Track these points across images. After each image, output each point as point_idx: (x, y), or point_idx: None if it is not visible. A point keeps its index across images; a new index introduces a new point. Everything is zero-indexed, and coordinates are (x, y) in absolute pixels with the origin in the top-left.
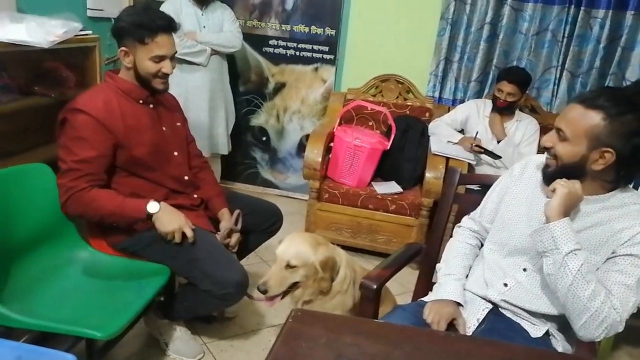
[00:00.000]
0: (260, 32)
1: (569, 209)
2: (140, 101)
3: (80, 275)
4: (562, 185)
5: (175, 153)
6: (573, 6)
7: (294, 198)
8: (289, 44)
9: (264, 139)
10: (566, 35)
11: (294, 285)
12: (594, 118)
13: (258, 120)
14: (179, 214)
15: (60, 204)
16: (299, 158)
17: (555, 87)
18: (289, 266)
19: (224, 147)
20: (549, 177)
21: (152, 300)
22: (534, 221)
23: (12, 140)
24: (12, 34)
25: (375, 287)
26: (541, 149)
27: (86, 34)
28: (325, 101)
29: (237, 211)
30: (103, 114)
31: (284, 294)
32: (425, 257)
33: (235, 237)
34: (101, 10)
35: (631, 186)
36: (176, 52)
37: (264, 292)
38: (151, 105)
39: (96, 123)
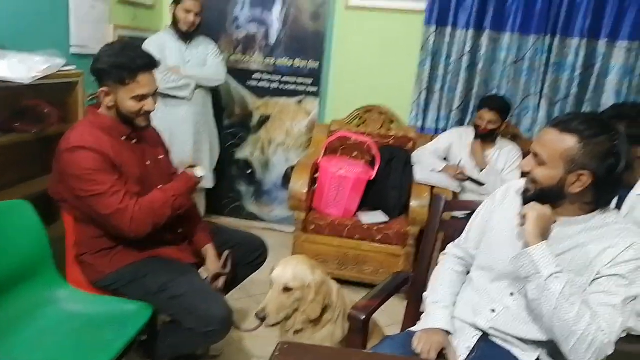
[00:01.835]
0: (244, 66)
1: (545, 232)
2: (123, 137)
3: (59, 315)
4: (531, 209)
5: (160, 186)
6: (549, 35)
7: (279, 231)
8: (273, 77)
9: (249, 172)
10: (543, 63)
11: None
12: (569, 141)
13: (243, 153)
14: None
15: (124, 230)
16: (285, 190)
17: (535, 113)
18: (286, 289)
19: (208, 181)
20: (528, 201)
21: (134, 340)
22: (517, 246)
23: None
24: None
25: (363, 317)
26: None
27: (69, 70)
28: (309, 133)
29: (226, 253)
30: (98, 147)
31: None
32: (412, 286)
33: (222, 280)
34: (85, 46)
35: (612, 207)
36: (157, 88)
37: (263, 319)
38: (134, 141)
39: (97, 154)
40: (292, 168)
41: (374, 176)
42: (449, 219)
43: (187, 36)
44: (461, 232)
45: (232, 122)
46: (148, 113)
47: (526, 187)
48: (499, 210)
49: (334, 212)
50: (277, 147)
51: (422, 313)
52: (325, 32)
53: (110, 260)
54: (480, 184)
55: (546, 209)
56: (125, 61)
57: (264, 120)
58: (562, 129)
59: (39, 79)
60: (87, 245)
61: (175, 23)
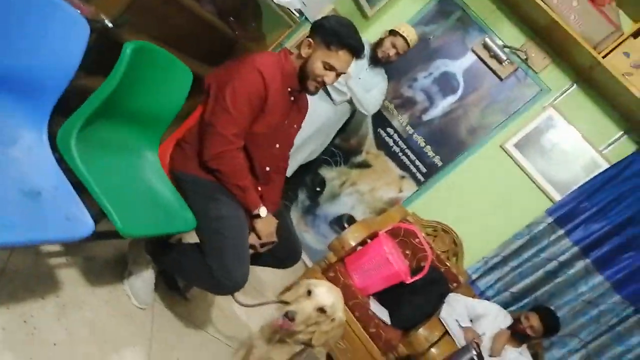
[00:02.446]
0: (387, 116)
1: None
2: (289, 89)
3: (135, 170)
4: None
5: (277, 145)
6: (633, 308)
7: None
8: (400, 143)
9: (318, 190)
10: (609, 324)
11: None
12: None
13: (327, 173)
14: (273, 225)
15: (209, 150)
16: (329, 227)
17: (568, 355)
18: (321, 310)
19: (289, 170)
20: None
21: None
22: None
23: (182, 38)
24: None
25: None
26: None
27: (293, 13)
28: (388, 205)
29: (272, 239)
30: (268, 84)
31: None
32: None
33: (251, 251)
34: (304, 5)
35: None
36: (346, 73)
37: (291, 319)
38: (292, 99)
39: (263, 89)
40: (351, 217)
41: (408, 282)
42: None
43: (375, 61)
44: None
45: (340, 145)
46: (323, 84)
47: None
48: None
49: (356, 279)
50: (354, 192)
51: None
52: (469, 147)
53: (202, 166)
54: None
55: None
56: (344, 33)
57: (365, 165)
58: None
59: (278, 3)
60: (195, 139)
61: (376, 45)
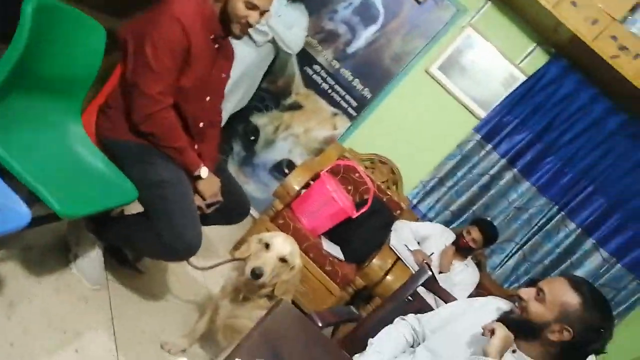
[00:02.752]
0: (312, 52)
1: (504, 352)
2: (212, 36)
3: (60, 145)
4: (501, 327)
5: (208, 98)
6: (557, 207)
7: None
8: (328, 79)
9: (252, 138)
10: (538, 225)
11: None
12: (574, 299)
13: (258, 120)
14: (216, 184)
15: (137, 113)
16: (270, 174)
17: (506, 258)
18: (283, 260)
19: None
20: (508, 322)
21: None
22: (471, 351)
23: None
24: None
25: (320, 324)
26: (514, 296)
27: None
28: (324, 144)
29: (218, 199)
30: (189, 32)
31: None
32: (357, 327)
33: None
34: None
35: None
36: (269, 11)
37: (259, 276)
38: (216, 46)
39: (185, 39)
40: (289, 161)
41: (355, 216)
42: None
43: None
44: (416, 310)
45: (268, 88)
46: (247, 25)
47: (512, 309)
48: (473, 314)
49: (305, 221)
50: (289, 136)
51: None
52: (395, 75)
53: (132, 130)
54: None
55: (510, 334)
56: None
57: (296, 107)
58: (573, 286)
59: None
60: (120, 101)
61: None
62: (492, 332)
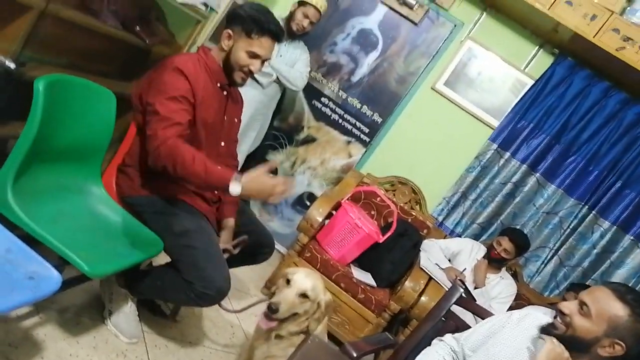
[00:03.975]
0: (318, 87)
1: None
2: (218, 84)
3: (83, 208)
4: (553, 343)
5: (222, 144)
6: (587, 207)
7: None
8: (337, 110)
9: (271, 176)
10: (570, 227)
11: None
12: (621, 310)
13: (275, 157)
14: (262, 182)
15: (151, 151)
16: (292, 209)
17: (542, 265)
18: (303, 295)
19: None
20: (552, 336)
21: (136, 266)
22: None
23: (91, 60)
24: None
25: (355, 355)
26: (557, 311)
27: (199, 8)
28: (342, 172)
29: (243, 237)
30: (193, 80)
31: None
32: (396, 352)
33: (225, 256)
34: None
35: None
36: (270, 59)
37: (275, 311)
38: (225, 93)
39: (188, 84)
40: (310, 194)
41: (382, 241)
42: None
43: (291, 34)
44: (454, 329)
45: (281, 126)
46: (250, 73)
47: (555, 324)
48: (512, 328)
49: (332, 252)
50: (306, 169)
51: None
52: (402, 97)
53: (150, 185)
54: (473, 298)
55: (564, 351)
56: (263, 19)
57: (310, 140)
58: (618, 296)
59: (182, 2)
60: (137, 160)
61: (288, 19)
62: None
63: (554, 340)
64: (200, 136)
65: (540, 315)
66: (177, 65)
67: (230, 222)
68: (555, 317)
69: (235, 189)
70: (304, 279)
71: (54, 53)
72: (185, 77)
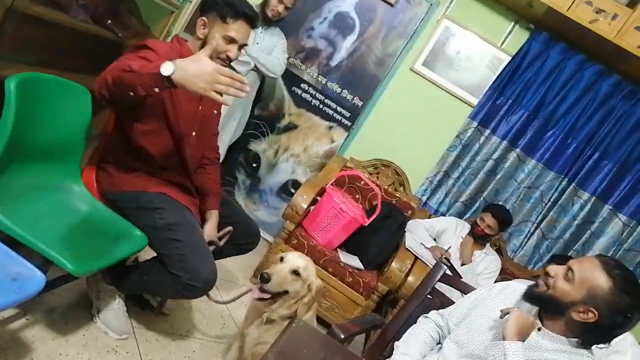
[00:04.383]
0: (297, 72)
1: (524, 334)
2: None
3: (64, 206)
4: (516, 310)
5: (193, 133)
6: (566, 179)
7: None
8: (317, 95)
9: (254, 165)
10: (551, 200)
11: (277, 297)
12: (604, 282)
13: (257, 146)
14: (199, 61)
15: (95, 87)
16: (277, 197)
17: (525, 239)
18: (295, 273)
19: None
20: (533, 295)
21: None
22: (497, 337)
23: (63, 56)
24: None
25: (342, 336)
26: (542, 272)
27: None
28: (325, 158)
29: (228, 229)
30: (164, 58)
31: (272, 299)
32: (383, 332)
33: (211, 248)
34: None
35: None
36: (247, 44)
37: (267, 280)
38: None
39: (156, 56)
40: (294, 181)
41: (367, 224)
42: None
43: (267, 21)
44: (440, 305)
45: (261, 115)
46: (228, 60)
47: (537, 283)
48: (493, 300)
49: (318, 238)
50: (289, 157)
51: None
52: (382, 79)
53: (131, 180)
54: (459, 276)
55: (528, 316)
56: (237, 3)
57: (291, 127)
58: (605, 268)
59: None
60: (115, 156)
61: (263, 5)
62: (506, 314)
63: (514, 308)
64: (170, 123)
65: (521, 286)
66: (146, 43)
67: (214, 214)
68: (537, 280)
69: (167, 67)
70: (297, 258)
71: (23, 51)
72: (154, 51)
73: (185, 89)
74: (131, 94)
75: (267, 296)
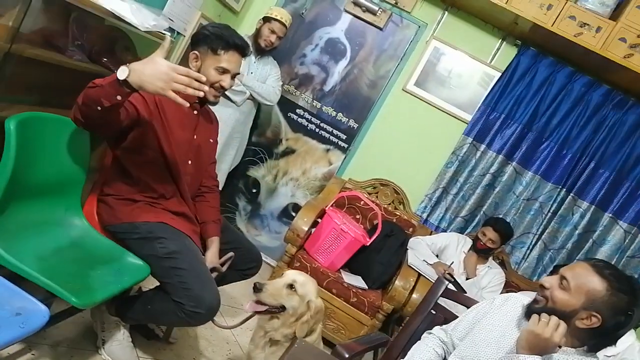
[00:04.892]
0: (292, 99)
1: (542, 350)
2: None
3: (66, 240)
4: (545, 323)
5: (189, 162)
6: (565, 189)
7: None
8: (313, 120)
9: (254, 191)
10: (551, 211)
11: (276, 313)
12: (599, 284)
13: (256, 172)
14: (154, 61)
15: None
16: (278, 221)
17: (528, 251)
18: (291, 287)
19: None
20: (534, 312)
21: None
22: (502, 350)
23: (61, 95)
24: (118, 8)
25: (347, 355)
26: (537, 286)
27: (164, 33)
28: (324, 180)
29: (229, 254)
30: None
31: (268, 313)
32: (389, 350)
33: (214, 275)
34: (172, 21)
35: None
36: (239, 73)
37: (259, 290)
38: (195, 112)
39: (148, 105)
40: (295, 205)
41: (368, 244)
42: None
43: (260, 51)
44: (444, 321)
45: (259, 141)
46: (222, 89)
47: (536, 299)
48: (495, 313)
49: (321, 260)
50: (288, 181)
51: None
52: (375, 101)
53: (131, 212)
54: (463, 290)
55: (560, 332)
56: (227, 35)
57: (289, 152)
58: (596, 271)
59: (146, 30)
60: (115, 188)
61: (256, 36)
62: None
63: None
64: (164, 153)
65: (522, 297)
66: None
67: (215, 240)
68: (537, 294)
69: (122, 71)
70: (297, 274)
71: (22, 91)
72: (145, 100)
73: (144, 90)
74: (98, 108)
75: (261, 308)
